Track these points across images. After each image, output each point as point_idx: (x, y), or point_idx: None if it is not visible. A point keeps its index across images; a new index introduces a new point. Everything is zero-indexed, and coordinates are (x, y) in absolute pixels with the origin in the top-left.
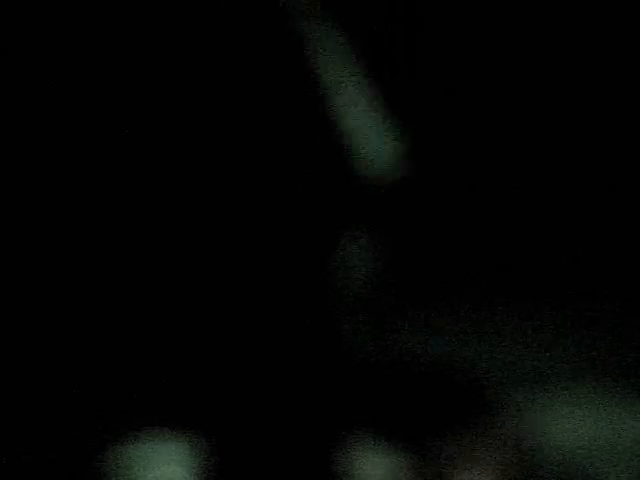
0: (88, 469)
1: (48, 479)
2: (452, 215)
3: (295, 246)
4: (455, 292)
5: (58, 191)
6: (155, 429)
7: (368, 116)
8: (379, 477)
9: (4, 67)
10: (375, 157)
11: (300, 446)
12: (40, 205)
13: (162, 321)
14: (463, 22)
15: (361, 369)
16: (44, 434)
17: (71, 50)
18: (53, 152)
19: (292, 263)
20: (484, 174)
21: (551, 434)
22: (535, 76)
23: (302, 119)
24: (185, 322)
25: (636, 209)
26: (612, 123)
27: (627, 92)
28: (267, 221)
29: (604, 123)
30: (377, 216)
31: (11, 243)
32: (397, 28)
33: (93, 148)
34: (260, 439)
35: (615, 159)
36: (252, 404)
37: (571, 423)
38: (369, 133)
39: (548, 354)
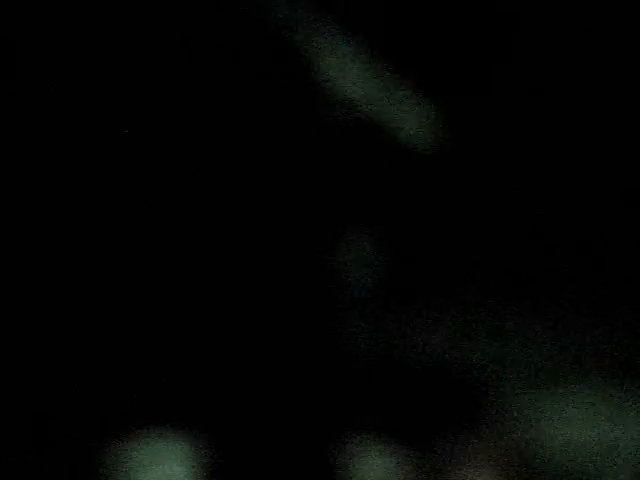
0: (88, 469)
1: (48, 479)
2: (452, 215)
3: (295, 246)
4: (455, 292)
5: (58, 192)
6: (155, 429)
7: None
8: (379, 477)
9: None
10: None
11: (300, 446)
12: (40, 206)
13: (162, 321)
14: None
15: (361, 369)
16: (44, 434)
17: (71, 50)
18: (53, 153)
19: (292, 263)
20: (484, 174)
21: (551, 434)
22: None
23: (307, 117)
24: (185, 322)
25: (636, 210)
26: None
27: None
28: (267, 221)
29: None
30: (377, 216)
31: (11, 244)
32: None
33: (94, 148)
34: (260, 439)
35: (615, 159)
36: (252, 404)
37: (571, 423)
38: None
39: (548, 354)
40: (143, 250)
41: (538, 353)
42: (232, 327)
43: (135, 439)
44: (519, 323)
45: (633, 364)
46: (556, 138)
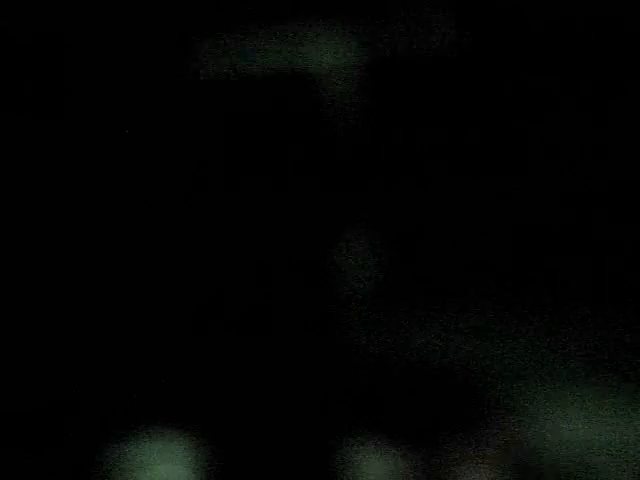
0: (88, 469)
1: (48, 479)
2: (452, 216)
3: (295, 246)
4: (455, 292)
5: (58, 193)
6: (155, 429)
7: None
8: (379, 477)
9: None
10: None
11: (300, 446)
12: (41, 207)
13: (162, 321)
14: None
15: (361, 369)
16: (44, 434)
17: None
18: (54, 154)
19: (292, 263)
20: (484, 175)
21: (551, 434)
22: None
23: (302, 117)
24: (185, 322)
25: (636, 210)
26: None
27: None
28: (267, 221)
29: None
30: (377, 216)
31: (11, 244)
32: None
33: (94, 148)
34: (260, 439)
35: (615, 159)
36: (252, 404)
37: (571, 423)
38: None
39: (548, 354)
40: (142, 250)
41: (538, 353)
42: (232, 327)
43: (135, 439)
44: (519, 323)
45: (633, 364)
46: (556, 138)
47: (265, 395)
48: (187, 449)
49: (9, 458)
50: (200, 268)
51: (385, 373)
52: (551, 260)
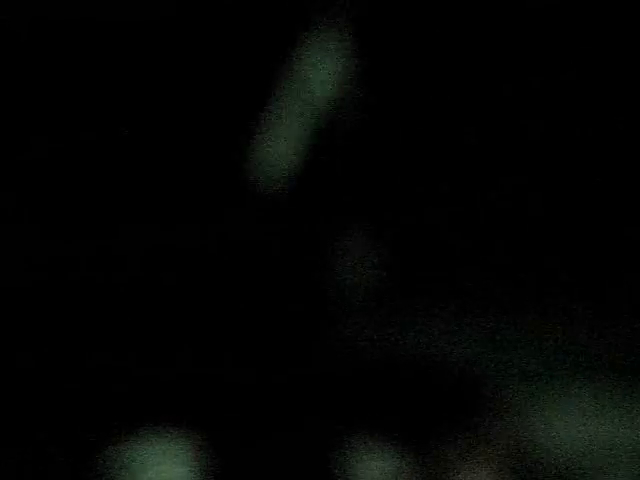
0: (88, 469)
1: (48, 479)
2: (452, 216)
3: (295, 245)
4: (455, 292)
5: (59, 191)
6: (155, 429)
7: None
8: (379, 477)
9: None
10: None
11: (300, 446)
12: (41, 206)
13: (162, 321)
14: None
15: (361, 369)
16: (44, 434)
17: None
18: (54, 152)
19: (292, 263)
20: (484, 176)
21: (551, 434)
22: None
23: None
24: (185, 322)
25: (635, 210)
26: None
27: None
28: (266, 220)
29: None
30: (377, 216)
31: (12, 243)
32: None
33: (94, 148)
34: (260, 439)
35: (615, 160)
36: (252, 404)
37: (571, 423)
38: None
39: (548, 354)
40: (142, 250)
41: (538, 353)
42: (232, 327)
43: (135, 439)
44: (519, 323)
45: (633, 364)
46: (555, 139)
47: (265, 395)
48: (187, 449)
49: (9, 458)
50: (200, 268)
51: (385, 373)
52: (551, 261)
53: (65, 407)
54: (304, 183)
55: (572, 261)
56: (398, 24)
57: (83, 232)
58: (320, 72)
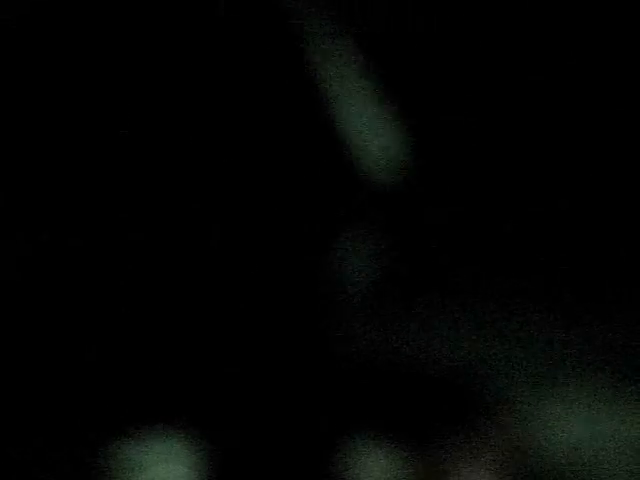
0: (87, 469)
1: (48, 479)
2: (451, 215)
3: (295, 246)
4: (455, 292)
5: (59, 191)
6: (155, 429)
7: (371, 115)
8: (379, 477)
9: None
10: (378, 157)
11: (300, 446)
12: (42, 206)
13: (162, 321)
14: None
15: (360, 369)
16: (44, 434)
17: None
18: (54, 152)
19: (292, 263)
20: (484, 175)
21: (551, 434)
22: (539, 77)
23: (304, 119)
24: (185, 322)
25: (636, 209)
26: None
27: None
28: (267, 221)
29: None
30: (377, 216)
31: (12, 243)
32: (399, 30)
33: (94, 149)
34: (260, 439)
35: (615, 160)
36: (252, 404)
37: (571, 423)
38: (372, 133)
39: (548, 354)
40: (142, 249)
41: (538, 353)
42: (231, 327)
43: (135, 439)
44: (519, 323)
45: (633, 364)
46: (555, 138)
47: (265, 395)
48: (187, 449)
49: (9, 458)
50: (199, 268)
51: (385, 373)
52: (551, 259)
53: (65, 407)
54: (304, 183)
55: (573, 261)
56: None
57: (82, 229)
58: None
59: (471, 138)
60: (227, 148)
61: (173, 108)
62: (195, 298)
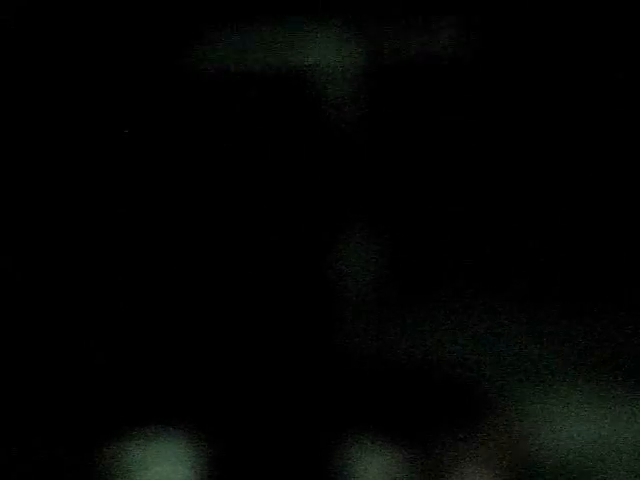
0: (88, 469)
1: (48, 479)
2: (452, 216)
3: (295, 246)
4: (455, 292)
5: (59, 192)
6: (155, 429)
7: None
8: (379, 477)
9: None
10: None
11: (300, 446)
12: (41, 206)
13: (162, 321)
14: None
15: (361, 369)
16: (44, 434)
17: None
18: (54, 152)
19: (292, 263)
20: (484, 175)
21: (551, 434)
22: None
23: (302, 118)
24: (186, 322)
25: (635, 209)
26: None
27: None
28: (266, 221)
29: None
30: (377, 216)
31: (12, 243)
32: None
33: (94, 149)
34: (260, 439)
35: (614, 160)
36: (252, 404)
37: (571, 423)
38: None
39: (548, 354)
40: (142, 249)
41: (538, 353)
42: (232, 327)
43: (135, 439)
44: (519, 323)
45: (633, 364)
46: (554, 138)
47: (265, 395)
48: (187, 449)
49: (9, 458)
50: (200, 269)
51: (384, 373)
52: (552, 260)
53: (65, 407)
54: (304, 183)
55: (573, 262)
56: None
57: (84, 231)
58: (324, 67)
59: (471, 138)
60: (227, 149)
61: (170, 107)
62: (196, 299)
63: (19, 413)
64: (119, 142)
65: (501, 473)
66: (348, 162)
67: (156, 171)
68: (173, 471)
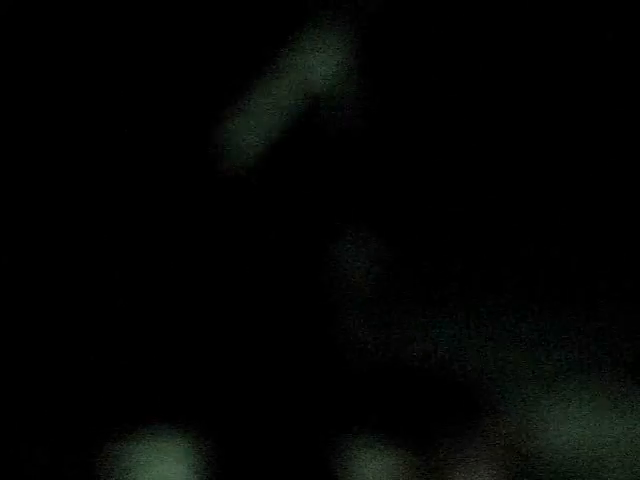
0: (88, 469)
1: (48, 479)
2: (451, 216)
3: (295, 246)
4: (455, 293)
5: (59, 192)
6: (155, 429)
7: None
8: (379, 477)
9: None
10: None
11: (300, 446)
12: (41, 206)
13: (163, 321)
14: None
15: (361, 369)
16: (44, 434)
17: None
18: (54, 152)
19: (292, 263)
20: (485, 176)
21: (551, 434)
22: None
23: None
24: (185, 322)
25: (636, 209)
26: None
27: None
28: (266, 221)
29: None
30: (377, 216)
31: (12, 244)
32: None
33: (94, 149)
34: (260, 439)
35: (614, 160)
36: (252, 404)
37: (571, 423)
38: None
39: (548, 354)
40: (142, 249)
41: (538, 353)
42: (232, 327)
43: (135, 439)
44: (519, 324)
45: (633, 364)
46: (554, 138)
47: (265, 395)
48: (187, 449)
49: (9, 458)
50: (200, 268)
51: (384, 373)
52: (550, 260)
53: (65, 407)
54: (304, 182)
55: (573, 263)
56: (398, 20)
57: (84, 231)
58: (317, 66)
59: (472, 139)
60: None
61: (168, 101)
62: (196, 300)
63: (19, 413)
64: (118, 142)
65: (501, 473)
66: (348, 162)
67: (156, 171)
68: (173, 471)
